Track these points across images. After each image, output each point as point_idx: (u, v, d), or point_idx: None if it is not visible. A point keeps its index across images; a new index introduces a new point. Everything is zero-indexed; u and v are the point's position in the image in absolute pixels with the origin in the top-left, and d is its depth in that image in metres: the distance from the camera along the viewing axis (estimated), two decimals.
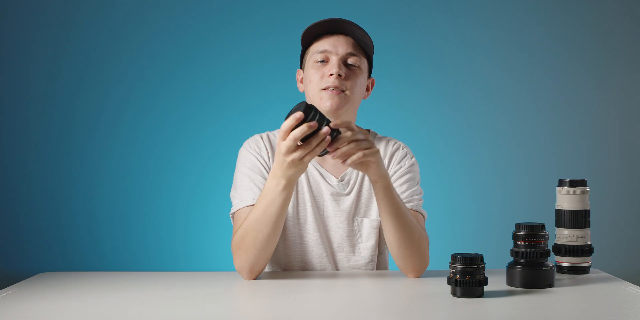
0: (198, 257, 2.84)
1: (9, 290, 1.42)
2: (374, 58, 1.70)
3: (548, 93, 2.99)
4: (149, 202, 2.86)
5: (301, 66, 1.67)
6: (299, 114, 1.29)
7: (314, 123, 1.30)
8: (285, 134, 1.31)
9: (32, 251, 2.80)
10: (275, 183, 1.39)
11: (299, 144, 1.32)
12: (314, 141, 1.31)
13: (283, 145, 1.32)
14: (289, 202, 1.43)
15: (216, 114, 2.88)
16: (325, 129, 1.31)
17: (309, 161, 1.35)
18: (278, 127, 1.71)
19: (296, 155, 1.32)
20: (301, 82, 1.67)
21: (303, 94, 1.66)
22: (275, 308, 1.27)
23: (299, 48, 1.70)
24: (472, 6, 2.98)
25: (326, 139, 1.32)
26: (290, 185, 1.40)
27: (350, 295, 1.39)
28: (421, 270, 1.51)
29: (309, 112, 1.30)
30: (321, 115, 1.31)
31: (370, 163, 1.39)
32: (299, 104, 1.32)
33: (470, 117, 2.98)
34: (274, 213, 1.42)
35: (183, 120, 2.88)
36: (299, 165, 1.35)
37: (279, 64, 2.83)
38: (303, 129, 1.29)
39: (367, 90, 1.66)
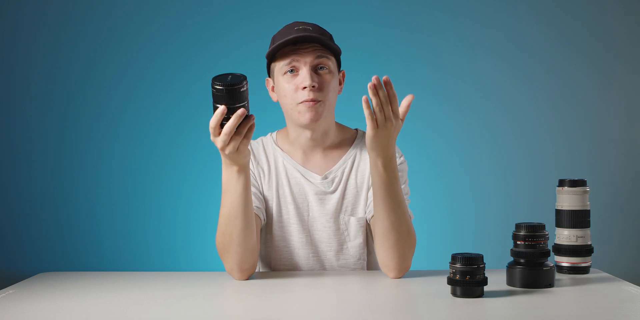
0: (198, 257, 2.84)
1: (9, 290, 1.42)
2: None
3: (548, 93, 2.99)
4: (149, 202, 2.86)
5: (269, 75, 1.65)
6: (223, 109, 1.29)
7: (241, 111, 1.28)
8: (215, 131, 1.32)
9: (32, 251, 2.81)
10: (229, 172, 1.40)
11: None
12: (241, 129, 1.31)
13: (218, 142, 1.33)
14: (249, 188, 1.43)
15: None
16: (240, 111, 1.29)
17: (246, 146, 1.35)
18: (278, 127, 1.72)
19: (231, 147, 1.33)
20: (272, 90, 1.65)
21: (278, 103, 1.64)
22: (276, 308, 1.27)
23: None
24: (472, 6, 2.98)
25: (248, 117, 1.31)
26: (244, 170, 1.40)
27: (349, 295, 1.39)
28: (403, 270, 1.50)
29: (232, 96, 1.28)
30: (240, 91, 1.28)
31: (379, 131, 1.36)
32: (213, 84, 1.29)
33: (470, 117, 2.98)
34: (240, 202, 1.42)
35: (183, 120, 2.88)
36: (241, 154, 1.35)
37: None
38: (234, 121, 1.29)
39: (340, 84, 1.64)
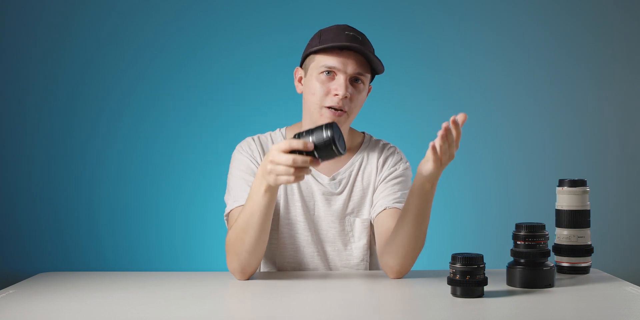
0: (198, 257, 2.84)
1: (9, 290, 1.42)
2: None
3: (548, 93, 2.99)
4: (149, 202, 2.86)
5: (301, 65, 1.63)
6: (310, 146, 1.28)
7: (317, 161, 1.29)
8: (286, 149, 1.29)
9: (32, 251, 2.80)
10: (258, 184, 1.39)
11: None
12: (302, 171, 1.30)
13: (278, 156, 1.30)
14: (273, 205, 1.42)
15: (216, 115, 2.88)
16: (315, 162, 1.29)
17: (285, 181, 1.31)
18: (278, 126, 1.72)
19: (279, 169, 1.30)
20: (299, 81, 1.63)
21: (301, 95, 1.64)
22: (276, 308, 1.27)
23: (298, 48, 1.69)
24: (472, 6, 2.98)
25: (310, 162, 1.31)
26: (271, 190, 1.38)
27: (349, 295, 1.39)
28: (405, 272, 1.51)
29: (325, 145, 1.28)
30: (333, 151, 1.29)
31: (441, 167, 1.39)
32: (327, 127, 1.29)
33: (470, 117, 2.96)
34: (259, 215, 1.42)
35: (183, 120, 2.88)
36: (276, 180, 1.33)
37: (279, 65, 2.83)
38: (306, 162, 1.28)
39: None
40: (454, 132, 1.35)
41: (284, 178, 1.31)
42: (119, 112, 2.85)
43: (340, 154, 1.30)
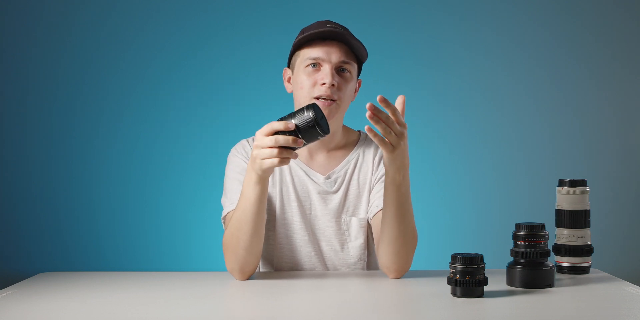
0: (198, 257, 2.84)
1: (9, 290, 1.42)
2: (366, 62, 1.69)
3: (548, 93, 2.99)
4: (149, 202, 2.86)
5: (289, 65, 1.66)
6: (291, 125, 1.29)
7: (300, 141, 1.29)
8: (269, 132, 1.30)
9: (32, 251, 2.81)
10: (249, 177, 1.40)
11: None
12: (286, 153, 1.30)
13: (261, 140, 1.31)
14: (264, 199, 1.42)
15: (216, 115, 2.88)
16: (298, 142, 1.29)
17: (270, 165, 1.32)
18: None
19: (263, 153, 1.31)
20: (288, 81, 1.65)
21: (291, 94, 1.65)
22: (275, 308, 1.27)
23: None
24: (472, 6, 2.98)
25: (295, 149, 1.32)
26: (261, 181, 1.38)
27: (348, 295, 1.39)
28: (404, 271, 1.50)
29: (307, 126, 1.29)
30: (316, 130, 1.29)
31: (395, 150, 1.33)
32: (308, 108, 1.30)
33: (470, 117, 2.98)
34: (250, 210, 1.41)
35: (183, 120, 2.88)
36: (261, 165, 1.33)
37: (279, 65, 2.83)
38: (288, 141, 1.29)
39: (355, 91, 1.65)
40: (387, 109, 1.30)
41: (268, 161, 1.31)
42: (119, 112, 2.86)
43: (324, 134, 1.30)
